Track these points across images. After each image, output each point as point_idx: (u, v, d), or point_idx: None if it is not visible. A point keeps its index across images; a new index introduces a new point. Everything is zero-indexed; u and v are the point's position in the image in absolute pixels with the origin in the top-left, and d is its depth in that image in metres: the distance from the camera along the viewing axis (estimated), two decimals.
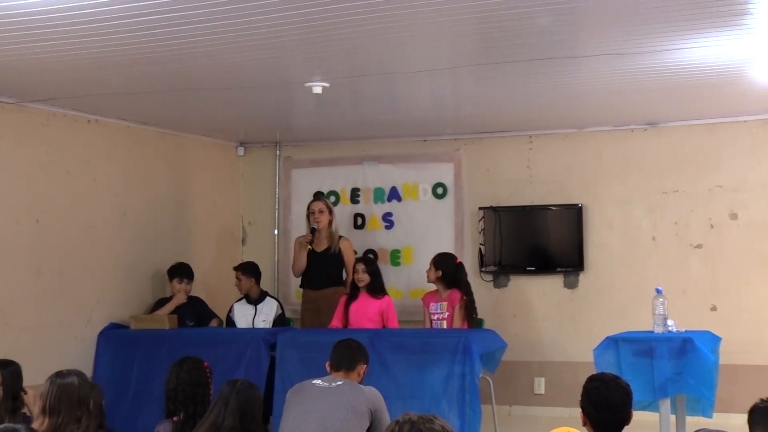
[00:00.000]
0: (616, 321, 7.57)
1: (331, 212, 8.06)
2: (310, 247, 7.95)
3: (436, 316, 7.60)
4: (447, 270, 7.63)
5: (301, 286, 8.25)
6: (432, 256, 7.83)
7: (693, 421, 6.76)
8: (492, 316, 8.19)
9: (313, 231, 7.95)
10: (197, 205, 8.85)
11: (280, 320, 8.07)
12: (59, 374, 4.24)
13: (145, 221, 8.11)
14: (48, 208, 7.13)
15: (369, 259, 8.21)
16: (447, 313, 7.55)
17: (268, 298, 8.20)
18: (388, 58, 5.77)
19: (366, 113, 7.87)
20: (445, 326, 7.55)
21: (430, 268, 7.67)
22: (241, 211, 9.50)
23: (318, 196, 8.36)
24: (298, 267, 8.09)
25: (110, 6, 4.46)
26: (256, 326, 7.95)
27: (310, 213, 8.00)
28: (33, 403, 4.56)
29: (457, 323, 7.49)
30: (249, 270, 8.15)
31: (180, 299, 7.93)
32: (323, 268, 7.99)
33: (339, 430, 4.74)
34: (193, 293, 8.16)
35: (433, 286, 7.76)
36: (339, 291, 7.90)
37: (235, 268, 8.24)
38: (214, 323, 8.08)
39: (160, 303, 8.02)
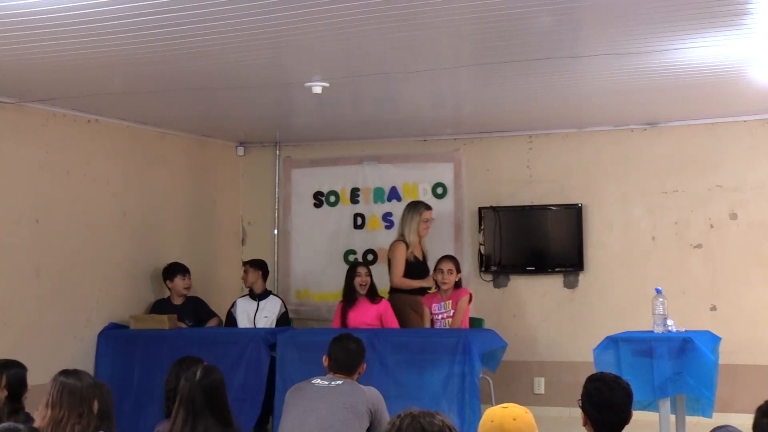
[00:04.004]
0: (616, 321, 7.57)
1: None
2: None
3: (440, 316, 7.55)
4: (460, 272, 7.64)
5: (407, 292, 7.84)
6: (432, 256, 7.82)
7: (693, 421, 6.77)
8: (492, 316, 8.19)
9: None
10: (197, 205, 8.85)
11: (284, 318, 8.09)
12: (63, 372, 4.29)
13: (145, 221, 8.11)
14: (48, 208, 7.14)
15: (369, 263, 8.24)
16: (452, 311, 7.49)
17: (271, 296, 8.22)
18: (388, 58, 5.77)
19: (366, 113, 7.86)
20: (449, 325, 7.52)
21: (452, 272, 7.47)
22: (240, 211, 9.49)
23: (425, 204, 8.05)
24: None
25: (110, 6, 4.46)
26: (257, 322, 7.99)
27: (422, 221, 7.81)
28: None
29: (459, 317, 7.42)
30: (257, 264, 8.24)
31: (218, 322, 8.15)
32: (421, 274, 7.86)
33: (339, 430, 4.75)
34: (192, 293, 8.18)
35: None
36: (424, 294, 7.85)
37: (245, 263, 8.35)
38: (213, 323, 8.10)
39: (159, 304, 8.04)
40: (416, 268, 7.81)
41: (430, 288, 7.74)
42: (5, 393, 4.87)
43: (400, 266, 7.76)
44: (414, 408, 2.85)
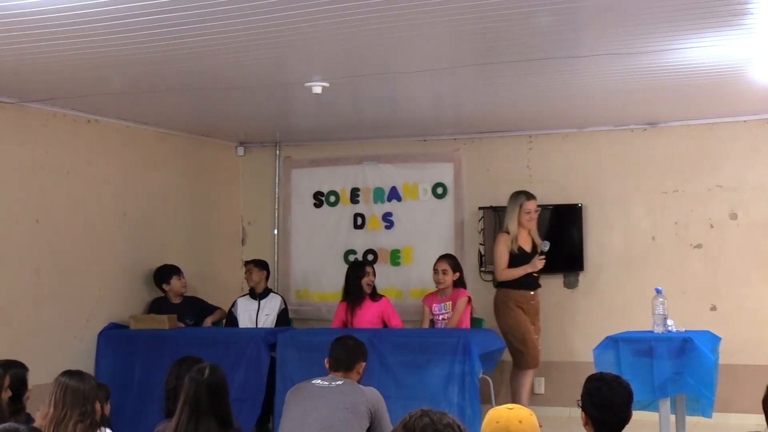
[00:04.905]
0: (616, 321, 7.56)
1: None
2: (544, 257, 7.65)
3: (441, 317, 7.57)
4: (460, 271, 7.62)
5: (512, 287, 7.71)
6: (432, 256, 7.83)
7: (693, 421, 6.77)
8: (492, 316, 8.18)
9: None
10: (197, 205, 8.85)
11: (284, 314, 8.11)
12: (66, 373, 4.31)
13: (145, 221, 8.11)
14: (48, 208, 7.14)
15: (369, 262, 8.26)
16: (453, 312, 7.51)
17: (271, 294, 8.25)
18: (388, 58, 5.77)
19: (366, 113, 7.87)
20: (447, 325, 7.52)
21: (447, 272, 7.54)
22: (240, 211, 9.50)
23: (526, 194, 7.78)
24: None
25: (110, 6, 4.46)
26: (258, 321, 8.01)
27: (524, 212, 7.64)
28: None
29: (456, 318, 7.43)
30: (261, 264, 8.27)
31: (221, 314, 8.19)
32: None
33: (339, 430, 4.74)
34: (191, 293, 8.18)
35: (433, 286, 7.76)
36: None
37: (248, 262, 8.37)
38: (217, 315, 8.16)
39: (157, 302, 8.04)
40: (521, 260, 7.64)
41: (537, 274, 7.66)
42: (9, 393, 4.87)
43: (500, 259, 7.63)
44: (425, 407, 2.85)
